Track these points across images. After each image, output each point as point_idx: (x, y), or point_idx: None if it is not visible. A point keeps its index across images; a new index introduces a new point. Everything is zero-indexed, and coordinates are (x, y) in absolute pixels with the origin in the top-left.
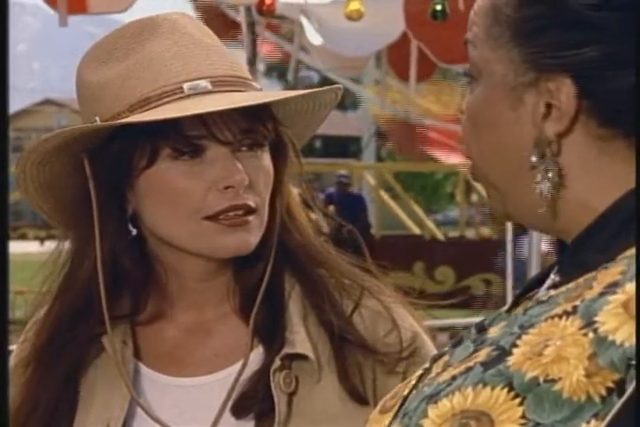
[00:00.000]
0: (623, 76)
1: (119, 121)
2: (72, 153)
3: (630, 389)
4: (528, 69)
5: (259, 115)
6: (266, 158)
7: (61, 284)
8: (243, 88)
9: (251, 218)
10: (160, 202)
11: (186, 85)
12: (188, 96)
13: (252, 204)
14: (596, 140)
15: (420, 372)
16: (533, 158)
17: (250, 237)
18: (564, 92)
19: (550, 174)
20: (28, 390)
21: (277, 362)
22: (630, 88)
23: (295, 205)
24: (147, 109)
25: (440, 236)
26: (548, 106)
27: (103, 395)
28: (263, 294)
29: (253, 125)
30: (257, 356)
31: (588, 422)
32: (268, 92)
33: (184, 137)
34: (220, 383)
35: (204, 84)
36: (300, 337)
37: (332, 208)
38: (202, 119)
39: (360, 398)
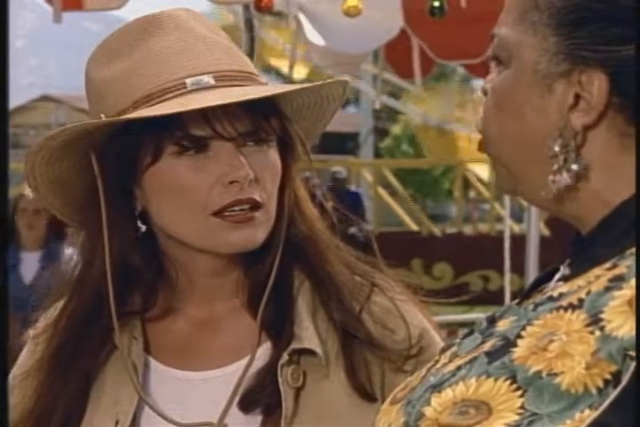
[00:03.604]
0: None
1: (120, 117)
2: (80, 151)
3: (625, 379)
4: (563, 60)
5: (263, 109)
6: (272, 153)
7: (74, 283)
8: (247, 83)
9: (257, 214)
10: (166, 198)
11: (188, 81)
12: (191, 91)
13: (257, 198)
14: (619, 136)
15: (430, 363)
16: (556, 148)
17: (257, 233)
18: (596, 86)
19: (574, 166)
20: (43, 394)
21: (285, 357)
22: None
23: (304, 200)
24: (150, 105)
25: (438, 232)
26: (577, 96)
27: (113, 389)
28: (271, 290)
29: (257, 120)
30: (265, 351)
31: (582, 412)
32: (272, 86)
33: (187, 133)
34: (227, 378)
35: (207, 79)
36: (309, 332)
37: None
38: (204, 115)
39: (367, 394)
